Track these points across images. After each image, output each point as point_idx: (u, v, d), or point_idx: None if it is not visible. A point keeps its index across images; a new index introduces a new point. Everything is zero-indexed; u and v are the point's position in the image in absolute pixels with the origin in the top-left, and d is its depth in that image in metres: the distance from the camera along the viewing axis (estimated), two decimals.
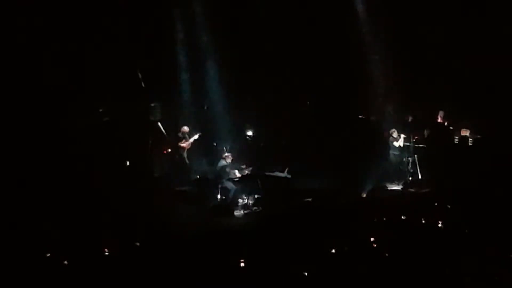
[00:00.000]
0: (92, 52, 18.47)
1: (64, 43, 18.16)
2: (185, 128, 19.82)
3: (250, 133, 20.51)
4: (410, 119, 21.00)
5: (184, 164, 19.62)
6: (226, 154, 18.35)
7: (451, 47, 20.47)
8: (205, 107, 21.20)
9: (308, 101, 22.46)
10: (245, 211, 17.36)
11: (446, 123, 20.83)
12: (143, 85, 19.52)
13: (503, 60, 19.43)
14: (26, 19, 17.59)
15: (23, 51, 17.52)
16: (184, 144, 19.59)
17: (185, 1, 21.09)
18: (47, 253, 11.72)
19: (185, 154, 19.64)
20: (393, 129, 20.45)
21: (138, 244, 12.48)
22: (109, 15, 18.90)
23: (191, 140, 19.62)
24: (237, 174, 18.28)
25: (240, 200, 17.81)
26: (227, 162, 18.18)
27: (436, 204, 16.07)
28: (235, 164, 18.58)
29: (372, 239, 12.68)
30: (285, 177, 18.66)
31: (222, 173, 18.06)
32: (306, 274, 10.93)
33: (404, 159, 20.22)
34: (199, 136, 19.68)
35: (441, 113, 20.83)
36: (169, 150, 19.81)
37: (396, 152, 20.39)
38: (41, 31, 17.71)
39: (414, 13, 20.41)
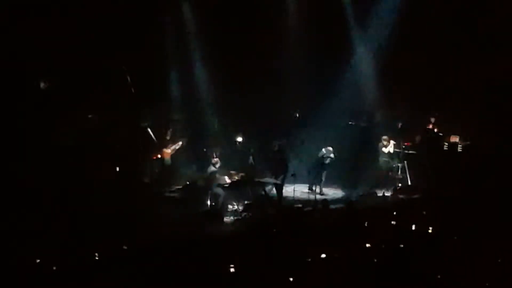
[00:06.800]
0: (82, 57, 18.43)
1: (53, 48, 18.12)
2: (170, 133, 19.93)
3: (240, 139, 20.48)
4: (400, 125, 21.03)
5: (169, 170, 19.65)
6: (216, 159, 18.32)
7: (440, 53, 20.57)
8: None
9: (298, 108, 22.48)
10: (235, 217, 17.34)
11: (435, 129, 20.89)
12: (133, 90, 19.48)
13: (494, 67, 19.53)
14: (15, 24, 17.59)
15: (12, 56, 17.48)
16: (168, 150, 19.61)
17: (176, 7, 21.14)
18: (37, 259, 11.69)
19: (169, 160, 19.66)
20: (385, 136, 20.45)
21: (126, 247, 12.47)
22: (99, 21, 18.90)
23: (174, 147, 19.65)
24: (227, 180, 18.24)
25: (230, 206, 17.81)
26: (216, 168, 18.15)
27: (425, 210, 16.08)
28: (224, 170, 18.56)
29: (361, 245, 12.69)
30: (276, 183, 18.66)
31: (211, 179, 18.03)
32: (292, 279, 10.97)
33: (394, 165, 20.25)
34: (182, 145, 19.71)
35: (431, 119, 20.89)
36: (159, 156, 19.78)
37: (386, 158, 20.41)
38: (30, 36, 17.69)
39: (406, 18, 20.50)
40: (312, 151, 20.20)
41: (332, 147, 19.96)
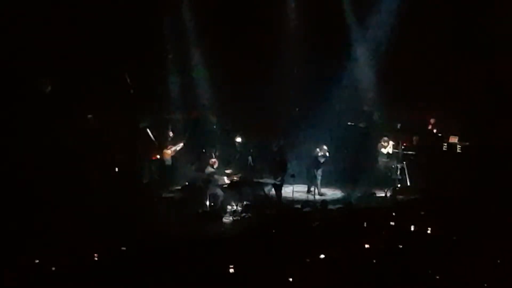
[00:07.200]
0: (82, 57, 18.43)
1: (53, 48, 18.12)
2: (170, 134, 19.93)
3: (239, 139, 20.50)
4: (398, 126, 21.04)
5: (168, 170, 19.67)
6: (213, 160, 18.32)
7: (440, 53, 20.58)
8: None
9: (297, 107, 22.50)
10: (234, 218, 17.34)
11: (435, 130, 20.89)
12: (131, 91, 19.49)
13: (494, 67, 19.54)
14: (15, 24, 17.60)
15: (12, 56, 17.48)
16: (169, 151, 19.62)
17: (176, 7, 21.14)
18: (37, 259, 11.70)
19: (169, 160, 19.67)
20: (385, 137, 20.42)
21: (124, 248, 12.49)
22: (99, 21, 18.91)
23: (174, 148, 19.68)
24: (226, 180, 18.24)
25: (229, 207, 17.79)
26: (214, 169, 18.14)
27: (424, 211, 16.08)
28: (223, 170, 18.56)
29: (360, 245, 12.69)
30: (275, 184, 18.66)
31: (210, 180, 18.02)
32: (291, 280, 10.97)
33: (393, 166, 20.24)
34: (182, 147, 19.73)
35: (431, 120, 20.90)
36: (158, 156, 19.79)
37: (385, 159, 20.41)
38: (30, 36, 17.70)
39: (404, 19, 20.51)
40: (312, 151, 20.20)
41: (326, 146, 19.97)
